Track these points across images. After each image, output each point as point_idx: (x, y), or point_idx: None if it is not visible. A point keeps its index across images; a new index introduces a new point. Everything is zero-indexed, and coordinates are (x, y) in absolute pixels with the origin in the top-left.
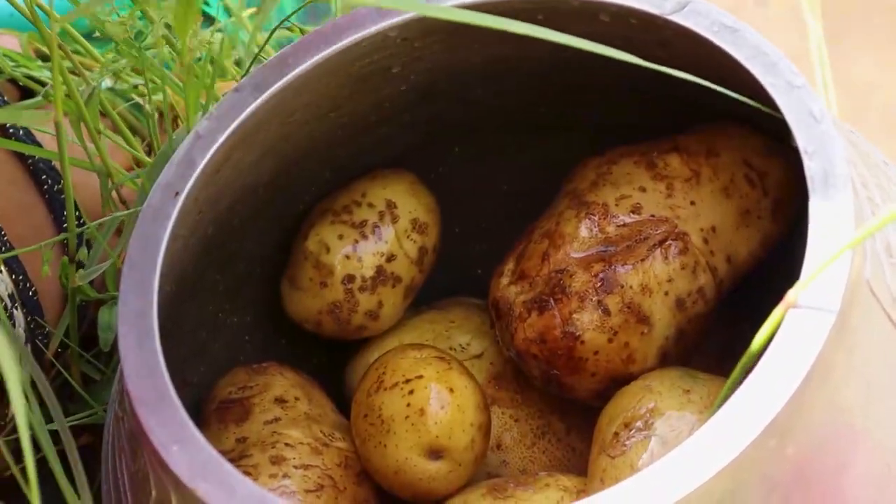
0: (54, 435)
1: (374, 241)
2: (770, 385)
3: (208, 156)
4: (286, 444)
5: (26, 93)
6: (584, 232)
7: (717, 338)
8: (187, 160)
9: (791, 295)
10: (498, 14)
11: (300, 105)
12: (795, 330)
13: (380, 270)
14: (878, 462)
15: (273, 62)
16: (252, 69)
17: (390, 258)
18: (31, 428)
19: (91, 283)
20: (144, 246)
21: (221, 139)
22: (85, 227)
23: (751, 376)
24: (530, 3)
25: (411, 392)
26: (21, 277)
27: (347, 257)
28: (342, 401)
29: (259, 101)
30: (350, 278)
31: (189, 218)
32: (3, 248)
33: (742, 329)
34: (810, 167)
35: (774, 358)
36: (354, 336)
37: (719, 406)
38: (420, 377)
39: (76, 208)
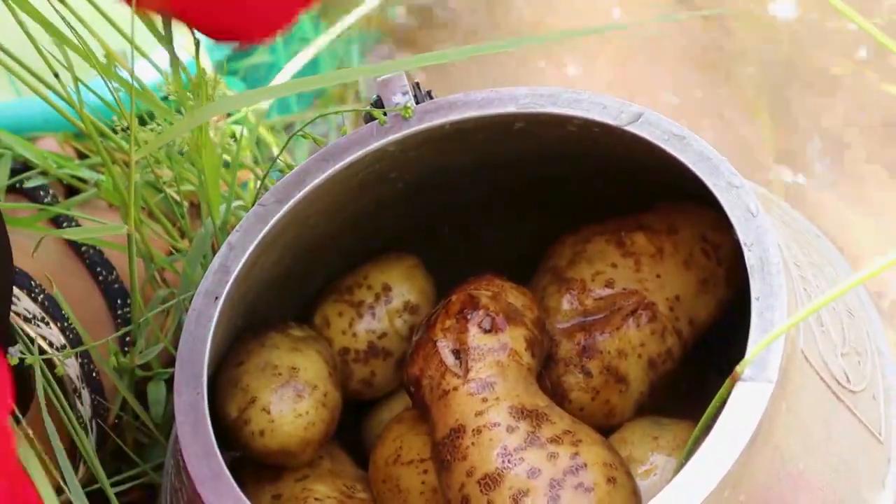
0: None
1: (369, 319)
2: (722, 446)
3: (240, 264)
4: (315, 499)
5: (71, 189)
6: (565, 305)
7: (685, 381)
8: (223, 269)
9: (738, 370)
10: (484, 123)
11: (313, 212)
12: (741, 399)
13: (371, 346)
14: (816, 499)
15: (291, 178)
16: (273, 184)
17: (382, 335)
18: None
19: None
20: (192, 346)
21: (251, 248)
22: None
23: (706, 440)
24: (511, 116)
25: (425, 472)
26: (86, 361)
27: (343, 332)
28: (357, 451)
29: (280, 213)
30: (345, 351)
31: (225, 316)
32: (72, 336)
33: (705, 372)
34: (749, 257)
35: (724, 424)
36: (354, 399)
37: (685, 458)
38: None
39: (127, 295)
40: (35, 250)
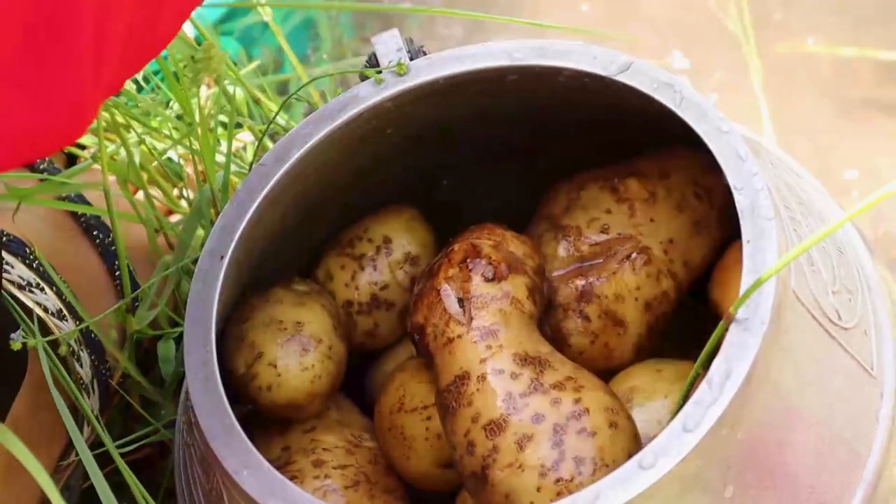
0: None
1: (370, 271)
2: (717, 386)
3: (244, 223)
4: (324, 449)
5: (71, 157)
6: (562, 252)
7: (681, 324)
8: (227, 228)
9: (731, 311)
10: (477, 77)
11: (313, 169)
12: (735, 340)
13: (374, 297)
14: (812, 435)
15: (290, 136)
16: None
17: (384, 287)
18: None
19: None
20: (201, 305)
21: (253, 207)
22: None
23: (702, 382)
24: (504, 69)
25: (429, 418)
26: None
27: (346, 285)
28: (363, 400)
29: (281, 171)
30: (349, 303)
31: (231, 275)
32: (68, 299)
33: (701, 315)
34: (740, 200)
35: (720, 365)
36: (360, 350)
37: (682, 398)
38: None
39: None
40: (15, 213)
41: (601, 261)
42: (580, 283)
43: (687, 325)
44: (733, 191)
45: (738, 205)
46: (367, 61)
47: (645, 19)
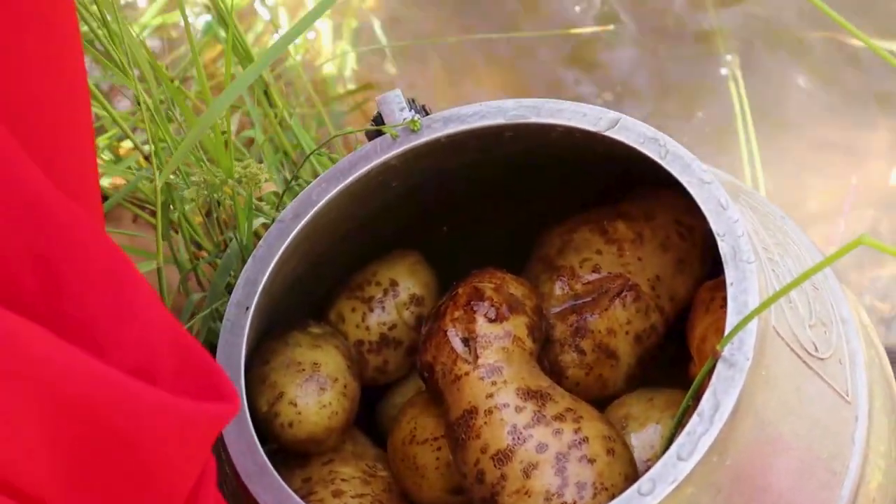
0: None
1: (379, 312)
2: (707, 418)
3: (266, 276)
4: (342, 480)
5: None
6: (557, 291)
7: (669, 351)
8: (251, 282)
9: (718, 348)
10: (476, 134)
11: (326, 222)
12: (722, 375)
13: (383, 336)
14: (793, 458)
15: (306, 195)
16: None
17: (392, 326)
18: None
19: None
20: (229, 353)
21: (274, 261)
22: None
23: (694, 415)
24: (501, 127)
25: (439, 449)
26: None
27: (357, 326)
28: (375, 431)
29: (298, 227)
30: (360, 343)
31: (255, 322)
32: None
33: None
34: (722, 247)
35: (709, 398)
36: (370, 385)
37: (675, 427)
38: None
39: None
40: None
41: (594, 298)
42: (575, 319)
43: (672, 347)
44: (716, 237)
45: (721, 250)
46: (373, 120)
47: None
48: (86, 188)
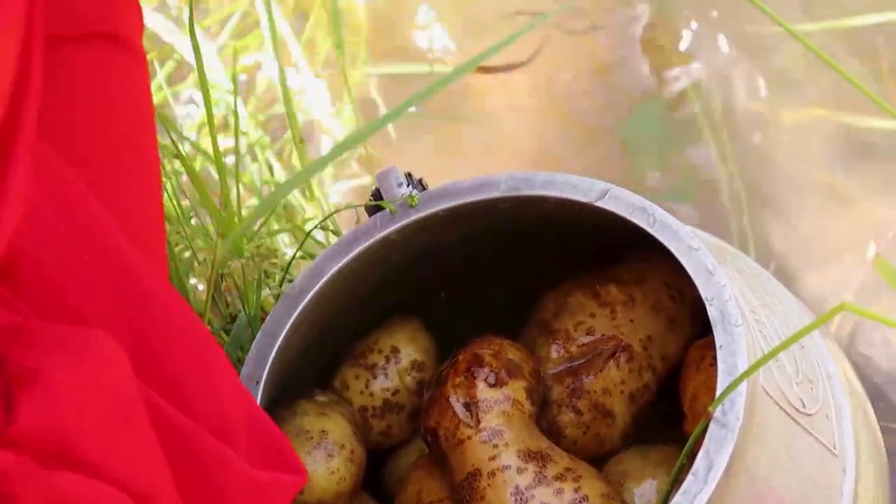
0: None
1: (382, 379)
2: (702, 478)
3: (274, 350)
4: None
5: None
6: (554, 354)
7: (663, 406)
8: (261, 356)
9: (710, 409)
10: (472, 207)
11: (330, 295)
12: (715, 436)
13: (386, 402)
14: None
15: (311, 270)
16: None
17: (395, 392)
18: None
19: None
20: None
21: (282, 336)
22: None
23: (688, 475)
24: (495, 200)
25: None
26: None
27: (361, 393)
28: (380, 493)
29: (304, 302)
30: (364, 409)
31: (265, 393)
32: None
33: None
34: (711, 311)
35: (702, 458)
36: (375, 448)
37: (670, 486)
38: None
39: None
40: None
41: (589, 359)
42: (571, 380)
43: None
44: (705, 302)
45: (709, 314)
46: (372, 195)
47: None
48: (157, 252)
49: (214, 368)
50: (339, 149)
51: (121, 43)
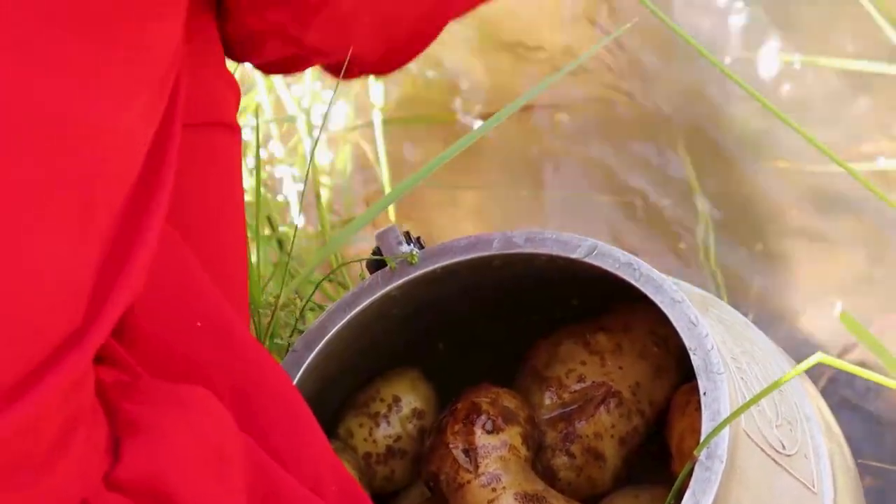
0: None
1: (385, 426)
2: None
3: None
4: None
5: None
6: (547, 401)
7: (653, 447)
8: None
9: (695, 453)
10: (468, 264)
11: (335, 348)
12: (700, 478)
13: (389, 448)
14: None
15: (316, 326)
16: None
17: (397, 439)
18: None
19: None
20: None
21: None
22: None
23: None
24: (490, 257)
25: None
26: None
27: (365, 440)
28: None
29: (309, 358)
30: (368, 455)
31: None
32: None
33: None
34: (694, 360)
35: (689, 499)
36: (378, 493)
37: None
38: None
39: None
40: None
41: (580, 405)
42: (564, 425)
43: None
44: (689, 351)
45: (693, 363)
46: (373, 253)
47: None
48: (245, 313)
49: (307, 429)
50: (378, 207)
51: (225, 126)
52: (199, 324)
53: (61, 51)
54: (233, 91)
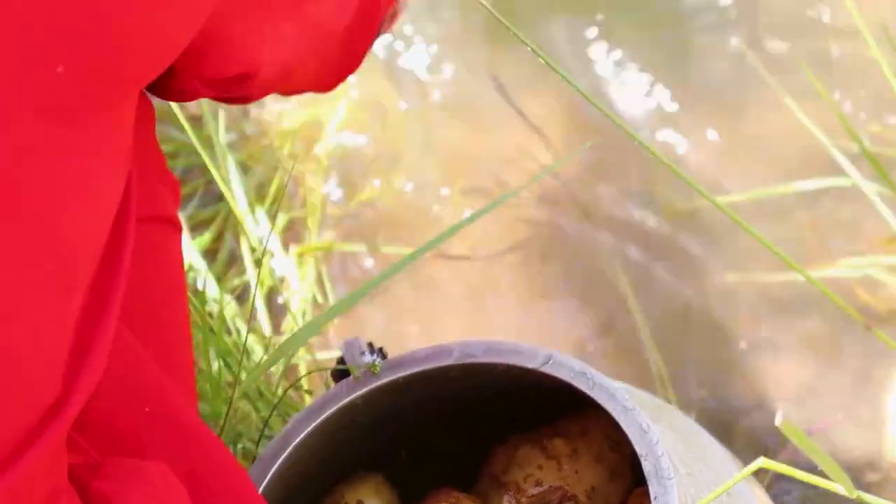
0: None
1: None
2: None
3: None
4: None
5: None
6: None
7: None
8: None
9: None
10: (428, 374)
11: (300, 455)
12: None
13: None
14: None
15: (284, 435)
16: (269, 442)
17: None
18: None
19: None
20: None
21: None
22: None
23: None
24: (448, 367)
25: None
26: None
27: None
28: None
29: (275, 466)
30: None
31: None
32: None
33: None
34: (645, 465)
35: None
36: None
37: None
38: None
39: None
40: None
41: None
42: None
43: None
44: (640, 457)
45: (644, 468)
46: (337, 362)
47: None
48: (192, 398)
49: (251, 498)
50: (317, 322)
51: (167, 221)
52: (147, 409)
53: (35, 136)
54: (173, 188)
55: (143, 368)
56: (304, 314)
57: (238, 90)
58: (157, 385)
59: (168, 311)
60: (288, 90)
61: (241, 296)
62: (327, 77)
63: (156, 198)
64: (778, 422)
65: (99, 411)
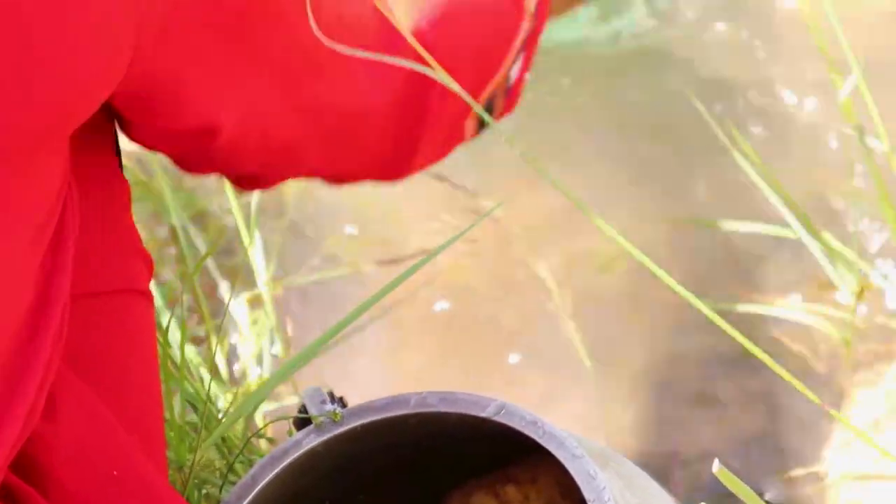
0: None
1: None
2: None
3: None
4: None
5: None
6: None
7: None
8: None
9: None
10: (385, 422)
11: (263, 500)
12: None
13: None
14: None
15: (247, 480)
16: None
17: None
18: None
19: None
20: None
21: None
22: None
23: None
24: (406, 416)
25: None
26: None
27: None
28: None
29: None
30: None
31: None
32: None
33: None
34: None
35: None
36: None
37: None
38: None
39: None
40: None
41: None
42: None
43: None
44: (588, 503)
45: None
46: (298, 410)
47: None
48: (162, 463)
49: None
50: (279, 376)
51: (139, 293)
52: (115, 473)
53: None
54: (147, 262)
55: (112, 434)
56: (258, 358)
57: (203, 146)
58: (127, 450)
59: (139, 380)
60: (309, 172)
61: (202, 341)
62: (372, 163)
63: (129, 271)
64: (715, 469)
65: (66, 474)
